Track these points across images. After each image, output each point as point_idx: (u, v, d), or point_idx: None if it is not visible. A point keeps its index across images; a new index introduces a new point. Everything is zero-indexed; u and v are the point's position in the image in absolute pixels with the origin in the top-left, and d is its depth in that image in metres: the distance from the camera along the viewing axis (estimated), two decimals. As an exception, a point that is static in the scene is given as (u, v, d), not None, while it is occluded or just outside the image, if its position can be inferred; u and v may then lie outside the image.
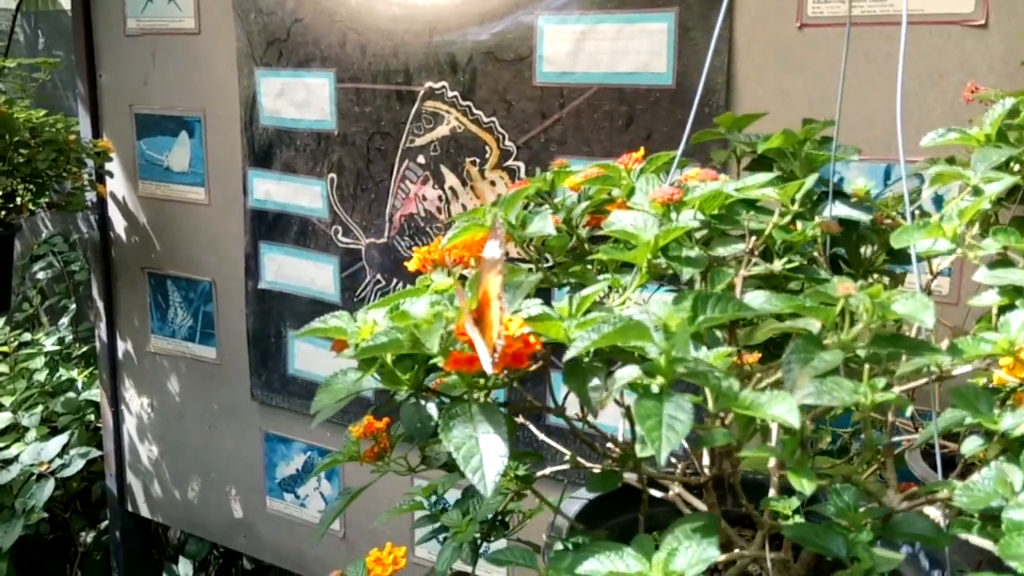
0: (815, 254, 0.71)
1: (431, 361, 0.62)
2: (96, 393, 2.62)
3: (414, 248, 0.69)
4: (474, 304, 0.61)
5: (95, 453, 2.54)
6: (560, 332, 0.59)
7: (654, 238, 0.62)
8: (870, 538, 0.56)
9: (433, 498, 0.86)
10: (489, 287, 0.62)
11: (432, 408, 0.64)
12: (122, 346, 2.40)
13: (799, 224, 0.69)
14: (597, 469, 0.76)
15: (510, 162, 1.72)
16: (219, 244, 2.15)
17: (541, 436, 0.83)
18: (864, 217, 0.73)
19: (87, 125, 2.28)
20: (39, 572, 2.67)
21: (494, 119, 1.72)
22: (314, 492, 2.15)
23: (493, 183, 1.75)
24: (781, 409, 0.51)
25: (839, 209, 0.72)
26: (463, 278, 0.64)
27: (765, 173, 0.70)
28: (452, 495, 0.90)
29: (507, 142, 1.72)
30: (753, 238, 0.67)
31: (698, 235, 0.67)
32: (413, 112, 1.80)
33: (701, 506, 0.74)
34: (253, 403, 2.17)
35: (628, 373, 0.54)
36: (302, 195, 1.98)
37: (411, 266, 0.71)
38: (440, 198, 1.81)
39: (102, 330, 2.41)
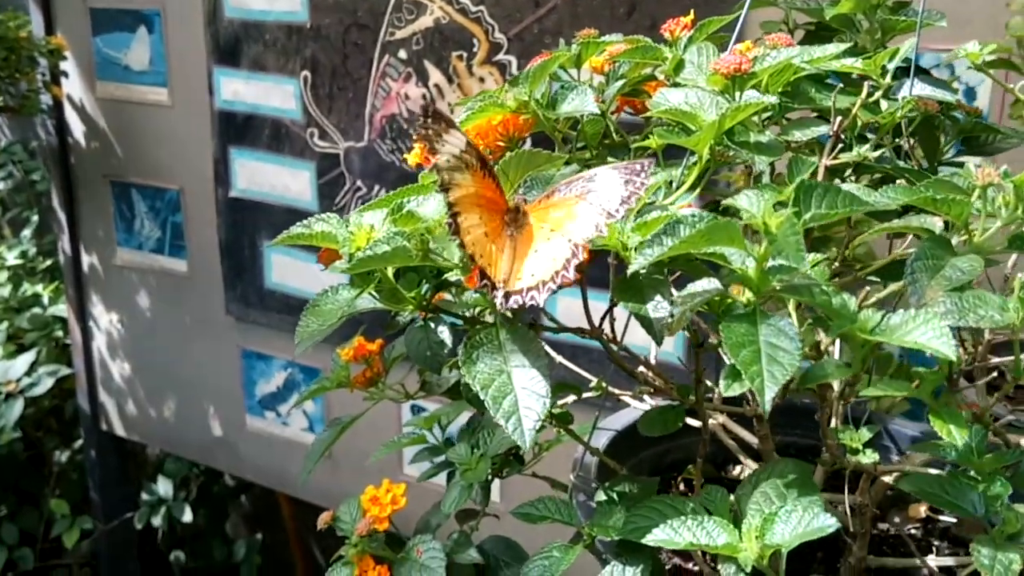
0: (899, 141, 0.59)
1: (444, 276, 0.51)
2: (63, 308, 2.51)
3: (415, 138, 0.57)
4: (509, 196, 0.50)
5: (65, 371, 2.44)
6: (613, 236, 0.48)
7: (720, 118, 0.50)
8: (1007, 491, 0.46)
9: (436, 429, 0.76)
10: (579, 222, 0.50)
11: (444, 332, 0.53)
12: (87, 259, 2.27)
13: (883, 104, 0.58)
14: (628, 397, 0.65)
15: (500, 56, 1.58)
16: (185, 149, 2.01)
17: (558, 358, 0.72)
18: (950, 97, 0.61)
19: (39, 21, 2.11)
20: (14, 492, 2.59)
21: (482, 8, 1.57)
22: (296, 410, 2.05)
23: (482, 79, 1.62)
24: (927, 334, 0.40)
25: (920, 88, 0.61)
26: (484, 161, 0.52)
27: (831, 44, 0.58)
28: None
29: (497, 34, 1.58)
30: (838, 119, 0.55)
31: (758, 118, 0.55)
32: (393, 1, 1.65)
33: (749, 438, 0.64)
34: (228, 318, 2.06)
35: (704, 287, 0.43)
36: (273, 95, 1.84)
37: (411, 159, 0.59)
38: (424, 96, 1.68)
39: (65, 243, 2.28)
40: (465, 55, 1.61)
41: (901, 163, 0.59)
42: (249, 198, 1.93)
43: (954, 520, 0.66)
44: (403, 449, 2.01)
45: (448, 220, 0.50)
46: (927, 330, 0.41)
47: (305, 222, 0.54)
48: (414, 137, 0.54)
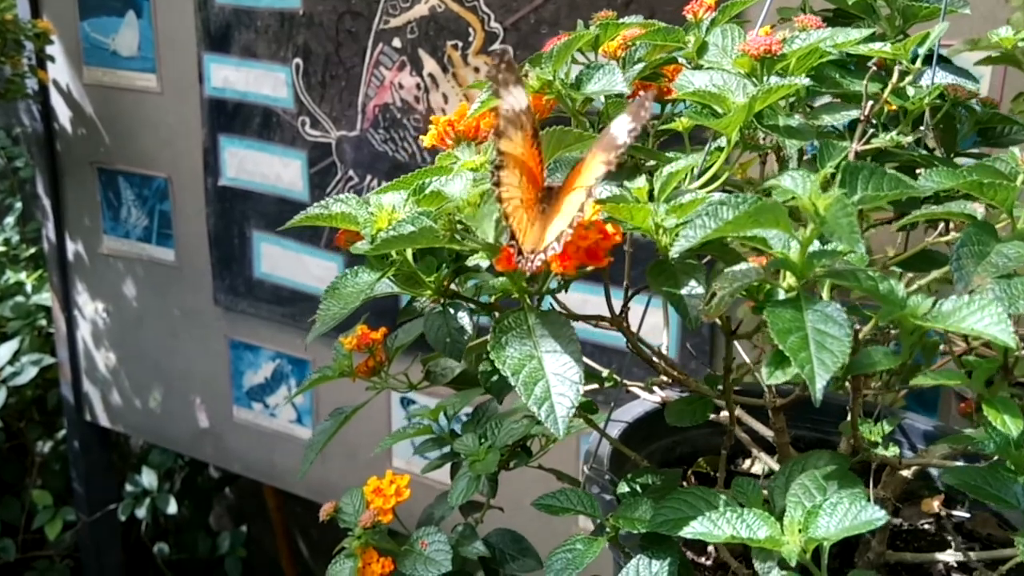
0: (921, 130, 0.59)
1: (467, 260, 0.49)
2: (47, 297, 2.47)
3: (434, 116, 0.55)
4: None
5: (48, 360, 2.41)
6: (646, 219, 0.46)
7: (750, 100, 0.49)
8: (1050, 484, 0.45)
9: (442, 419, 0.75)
10: (591, 167, 0.49)
11: (464, 317, 0.51)
12: (72, 247, 2.24)
13: (910, 90, 0.56)
14: (639, 388, 0.64)
15: (496, 46, 1.57)
16: (174, 137, 1.98)
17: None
18: (972, 85, 0.61)
19: (25, 5, 2.08)
20: (-5, 482, 2.56)
21: (478, -4, 1.56)
22: (284, 401, 2.03)
23: (477, 69, 1.60)
24: (983, 321, 0.39)
25: (942, 75, 0.60)
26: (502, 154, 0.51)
27: (855, 30, 0.57)
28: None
29: (493, 23, 1.56)
30: (870, 103, 0.54)
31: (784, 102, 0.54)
32: (388, -12, 1.63)
33: (762, 430, 0.63)
34: (216, 308, 2.03)
35: (745, 272, 0.42)
36: (264, 83, 1.81)
37: (427, 141, 0.58)
38: (418, 86, 1.66)
39: (50, 230, 2.24)
40: (460, 44, 1.59)
41: (922, 151, 0.58)
42: (239, 187, 1.91)
43: (967, 515, 0.66)
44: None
45: (493, 167, 0.49)
46: (983, 316, 0.40)
47: (323, 203, 0.52)
48: (487, 74, 0.52)
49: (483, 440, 0.67)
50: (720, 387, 0.58)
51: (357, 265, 0.53)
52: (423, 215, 0.47)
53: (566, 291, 0.50)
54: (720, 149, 0.53)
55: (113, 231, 2.16)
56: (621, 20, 0.63)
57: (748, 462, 0.72)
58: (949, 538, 0.64)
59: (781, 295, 0.41)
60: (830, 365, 0.38)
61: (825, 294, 0.42)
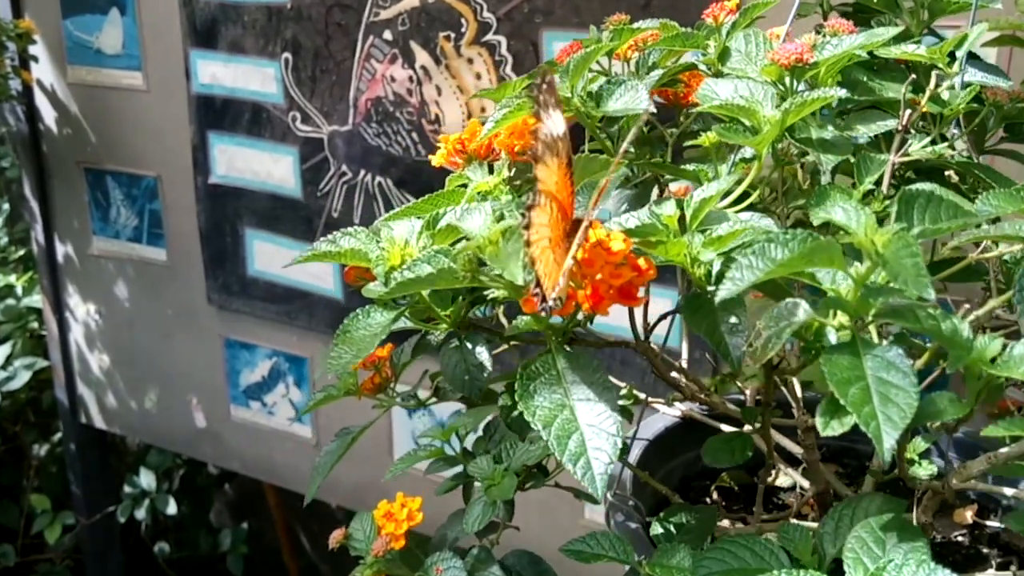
0: (955, 132, 0.56)
1: (488, 294, 0.46)
2: (37, 299, 2.44)
3: (441, 135, 0.53)
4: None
5: (41, 363, 2.38)
6: (680, 252, 0.43)
7: (783, 114, 0.46)
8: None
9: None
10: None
11: (483, 353, 0.49)
12: (61, 249, 2.21)
13: (945, 94, 0.54)
14: (660, 404, 0.62)
15: (489, 36, 1.53)
16: (162, 135, 1.94)
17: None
18: (1003, 84, 0.58)
19: (6, 4, 2.04)
20: (-7, 487, 2.53)
21: (470, -14, 1.52)
22: (282, 399, 2.01)
23: (470, 61, 1.57)
24: None
25: (972, 74, 0.57)
26: (521, 174, 0.48)
27: (881, 28, 0.54)
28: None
29: (485, 13, 1.53)
30: (908, 112, 0.51)
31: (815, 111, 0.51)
32: (377, -20, 1.60)
33: (786, 443, 0.61)
34: (210, 307, 2.00)
35: (791, 310, 0.39)
36: (253, 78, 1.78)
37: (435, 160, 0.55)
38: (410, 79, 1.62)
39: (38, 232, 2.21)
40: (453, 35, 1.56)
41: (954, 153, 0.55)
42: (229, 184, 1.88)
43: (1002, 527, 0.64)
44: (392, 436, 1.97)
45: (525, 207, 0.45)
46: (1070, 364, 0.37)
47: (330, 237, 0.49)
48: (532, 97, 0.49)
49: (498, 462, 0.65)
50: (744, 410, 0.55)
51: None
52: (440, 253, 0.44)
53: (591, 323, 0.48)
54: (744, 160, 0.51)
55: (103, 232, 2.12)
56: (636, 25, 0.60)
57: (772, 475, 0.70)
58: (985, 551, 0.62)
59: (832, 335, 0.39)
60: (897, 421, 0.35)
61: (873, 330, 0.40)
